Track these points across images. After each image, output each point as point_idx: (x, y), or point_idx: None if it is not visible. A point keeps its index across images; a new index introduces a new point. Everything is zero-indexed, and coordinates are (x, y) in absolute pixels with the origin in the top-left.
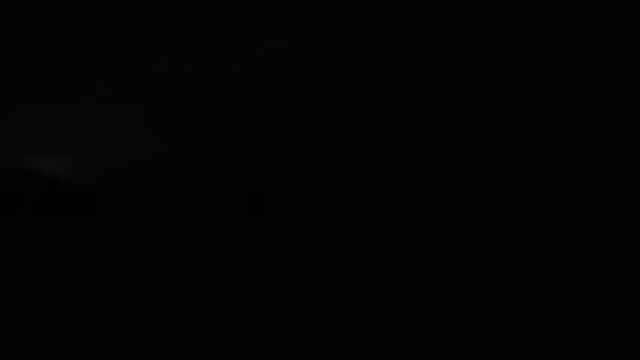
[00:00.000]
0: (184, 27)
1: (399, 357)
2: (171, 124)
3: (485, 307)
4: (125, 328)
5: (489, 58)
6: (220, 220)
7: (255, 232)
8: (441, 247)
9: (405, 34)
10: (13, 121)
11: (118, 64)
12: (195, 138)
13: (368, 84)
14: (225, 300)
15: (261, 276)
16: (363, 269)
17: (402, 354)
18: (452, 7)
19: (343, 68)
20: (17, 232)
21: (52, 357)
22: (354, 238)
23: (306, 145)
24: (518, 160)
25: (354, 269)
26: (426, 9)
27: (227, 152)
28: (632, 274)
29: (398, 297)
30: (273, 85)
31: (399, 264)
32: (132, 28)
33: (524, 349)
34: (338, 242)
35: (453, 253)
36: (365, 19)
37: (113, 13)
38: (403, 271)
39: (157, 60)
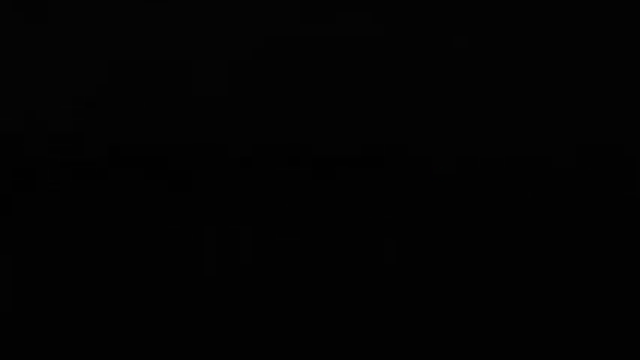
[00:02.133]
0: (183, 26)
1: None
2: (169, 119)
3: (485, 307)
4: (136, 329)
5: (489, 58)
6: (220, 220)
7: (255, 231)
8: (440, 248)
9: (405, 34)
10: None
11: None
12: (195, 131)
13: (366, 83)
14: (225, 300)
15: (260, 275)
16: (363, 269)
17: (405, 355)
18: (451, 8)
19: (342, 67)
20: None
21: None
22: (353, 237)
23: (304, 143)
24: (519, 160)
25: (353, 269)
26: (426, 9)
27: (230, 151)
28: (632, 274)
29: (398, 297)
30: (271, 82)
31: (398, 264)
32: (131, 28)
33: (524, 349)
34: (338, 242)
35: (452, 253)
36: (365, 19)
37: (113, 13)
38: (403, 271)
39: (155, 59)
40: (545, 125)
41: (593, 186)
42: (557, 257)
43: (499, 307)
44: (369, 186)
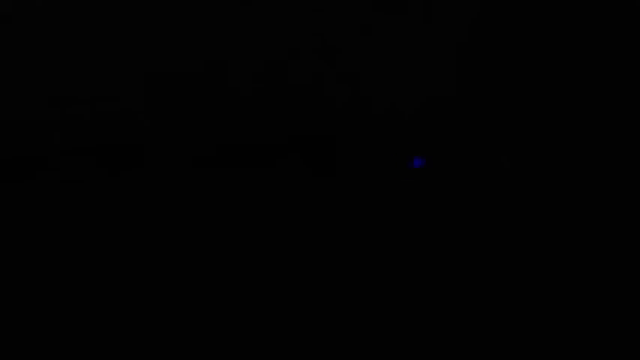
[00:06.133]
0: (183, 25)
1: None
2: (168, 118)
3: (485, 307)
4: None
5: (490, 59)
6: (220, 220)
7: (253, 229)
8: (440, 248)
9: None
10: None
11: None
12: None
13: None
14: (224, 300)
15: (260, 275)
16: (364, 268)
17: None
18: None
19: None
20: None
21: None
22: (353, 237)
23: (303, 143)
24: (519, 160)
25: (354, 269)
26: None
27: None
28: (632, 274)
29: (398, 297)
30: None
31: (399, 263)
32: (130, 27)
33: (524, 349)
34: (338, 241)
35: (451, 253)
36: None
37: (113, 12)
38: (403, 271)
39: (154, 56)
40: (544, 125)
41: (593, 186)
42: (557, 256)
43: (499, 305)
44: (369, 185)
